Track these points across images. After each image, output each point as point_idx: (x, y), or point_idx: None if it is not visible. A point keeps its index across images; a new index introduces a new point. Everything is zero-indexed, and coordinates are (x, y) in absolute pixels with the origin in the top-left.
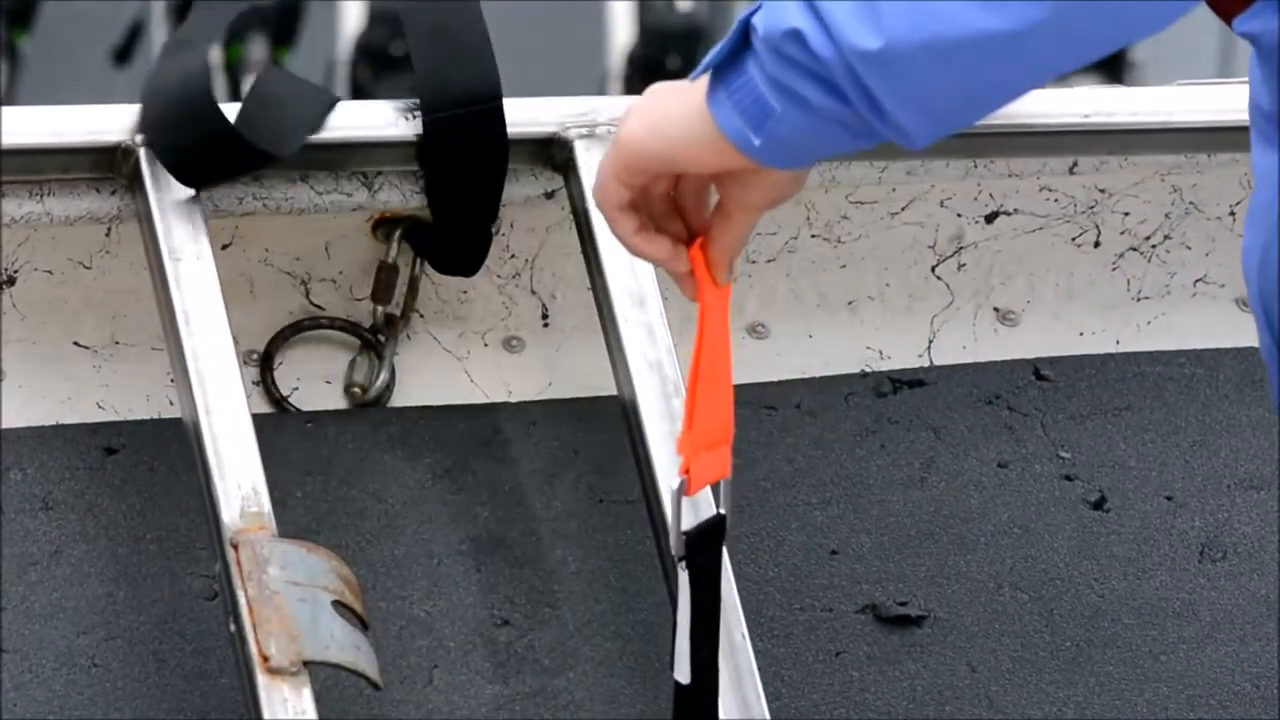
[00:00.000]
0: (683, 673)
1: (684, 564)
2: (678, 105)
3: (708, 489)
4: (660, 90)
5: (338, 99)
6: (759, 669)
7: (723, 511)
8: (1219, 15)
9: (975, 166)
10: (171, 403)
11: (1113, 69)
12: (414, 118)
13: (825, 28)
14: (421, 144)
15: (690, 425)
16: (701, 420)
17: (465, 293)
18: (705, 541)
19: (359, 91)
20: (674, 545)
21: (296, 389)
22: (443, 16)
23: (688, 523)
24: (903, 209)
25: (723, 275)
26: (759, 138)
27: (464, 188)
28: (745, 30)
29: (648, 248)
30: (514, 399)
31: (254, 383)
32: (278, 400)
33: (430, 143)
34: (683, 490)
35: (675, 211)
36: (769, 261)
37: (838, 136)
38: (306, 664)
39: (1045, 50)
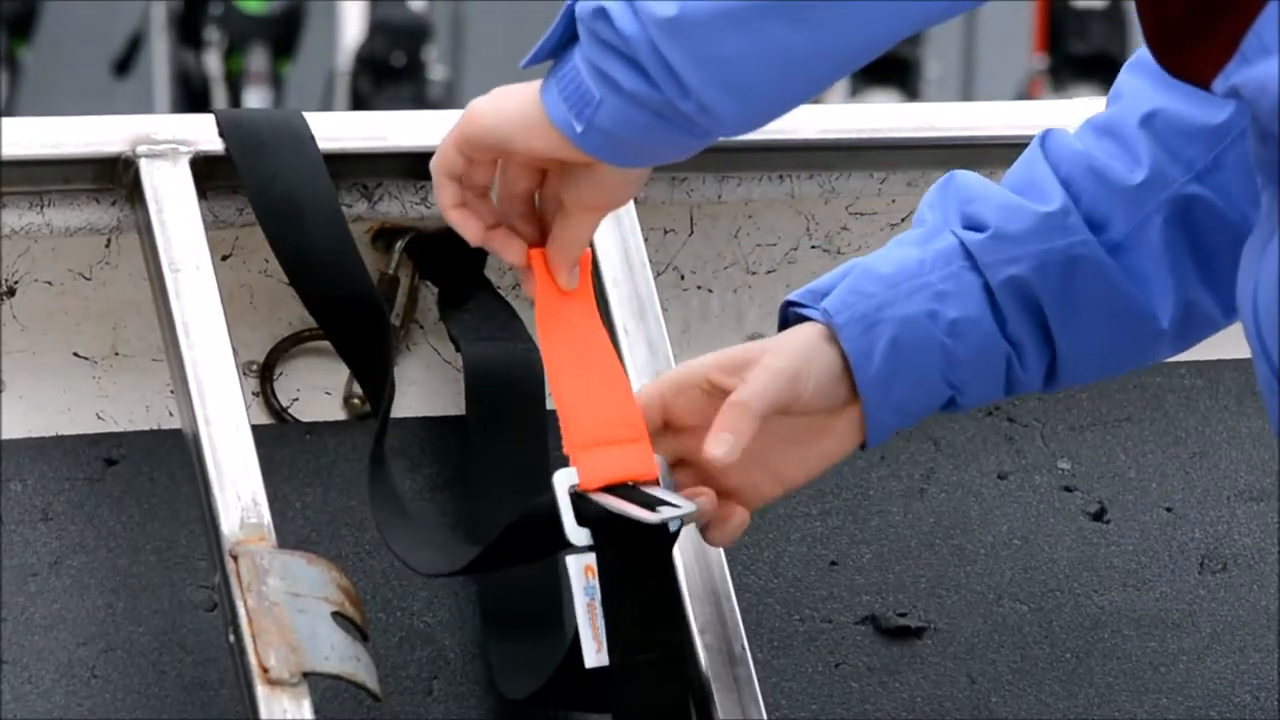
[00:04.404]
0: (592, 657)
1: (581, 553)
2: (522, 87)
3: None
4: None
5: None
6: (758, 680)
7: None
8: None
9: None
10: (171, 414)
11: (1110, 79)
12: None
13: (630, 4)
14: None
15: (564, 426)
16: (579, 419)
17: None
18: (614, 533)
19: (359, 102)
20: (569, 532)
21: (296, 400)
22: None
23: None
24: (902, 220)
25: (563, 277)
26: (580, 125)
27: None
28: (572, 15)
29: (461, 222)
30: None
31: (254, 394)
32: (277, 411)
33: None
34: (567, 482)
35: (534, 216)
36: (769, 272)
37: (656, 127)
38: (306, 675)
39: (831, 19)
